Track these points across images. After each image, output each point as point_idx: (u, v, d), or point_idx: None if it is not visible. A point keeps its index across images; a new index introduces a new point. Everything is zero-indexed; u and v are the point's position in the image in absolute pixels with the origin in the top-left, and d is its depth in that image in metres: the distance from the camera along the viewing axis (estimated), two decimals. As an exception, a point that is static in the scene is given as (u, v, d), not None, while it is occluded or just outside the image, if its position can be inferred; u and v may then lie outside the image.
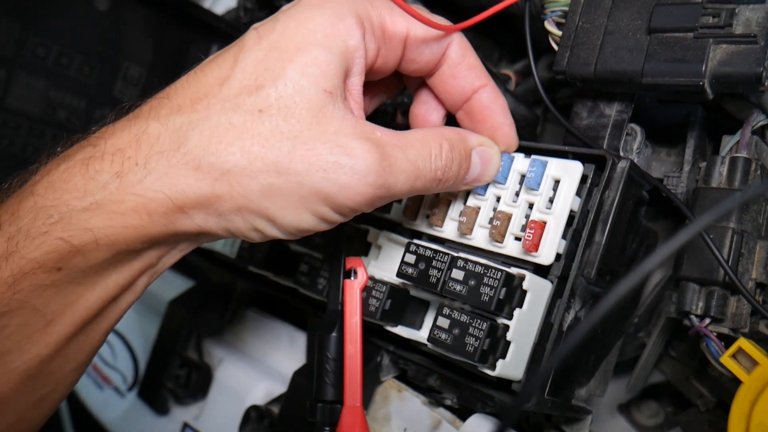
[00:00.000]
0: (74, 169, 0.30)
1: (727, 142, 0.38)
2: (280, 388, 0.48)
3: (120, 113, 0.33)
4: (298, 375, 0.45)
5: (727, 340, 0.36)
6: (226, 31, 0.62)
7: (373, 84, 0.37)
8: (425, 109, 0.39)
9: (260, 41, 0.31)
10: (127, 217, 0.30)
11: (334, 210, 0.31)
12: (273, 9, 0.62)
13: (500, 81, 0.48)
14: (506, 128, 0.37)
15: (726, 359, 0.32)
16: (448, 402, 0.41)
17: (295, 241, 0.45)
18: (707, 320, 0.36)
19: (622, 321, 0.42)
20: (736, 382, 0.32)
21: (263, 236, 0.32)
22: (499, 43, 0.69)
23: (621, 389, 0.50)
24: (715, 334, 0.36)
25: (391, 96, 0.41)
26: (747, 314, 0.36)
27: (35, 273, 0.29)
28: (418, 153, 0.33)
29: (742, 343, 0.32)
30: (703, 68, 0.33)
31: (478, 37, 0.67)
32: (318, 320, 0.45)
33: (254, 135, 0.30)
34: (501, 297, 0.34)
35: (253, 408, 0.46)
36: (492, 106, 0.37)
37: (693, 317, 0.37)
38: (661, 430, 0.52)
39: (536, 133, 0.54)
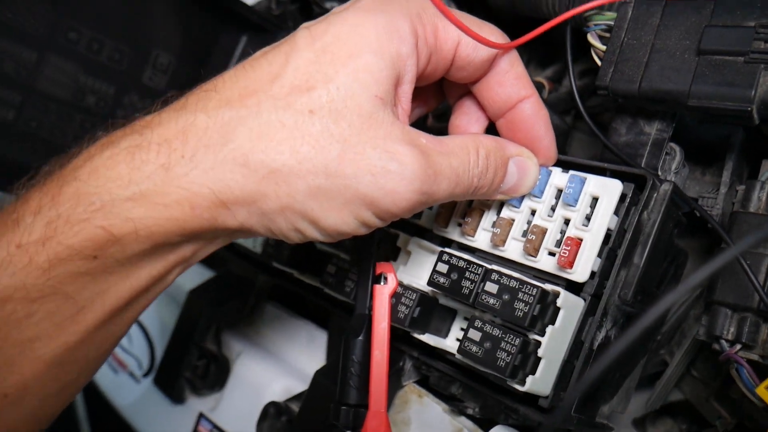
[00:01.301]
0: (119, 157, 0.30)
1: (767, 166, 0.38)
2: (298, 385, 0.48)
3: (166, 103, 0.33)
4: (319, 375, 0.45)
5: (755, 366, 0.35)
6: (256, 23, 0.62)
7: (418, 91, 0.37)
8: (466, 120, 0.39)
9: (313, 43, 0.31)
10: (170, 210, 0.30)
11: (377, 215, 0.31)
12: (305, 4, 0.62)
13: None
14: (547, 141, 0.37)
15: (762, 391, 0.32)
16: (470, 411, 0.41)
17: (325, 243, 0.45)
18: (738, 346, 0.36)
19: (648, 338, 0.42)
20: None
21: (303, 237, 0.32)
22: (528, 48, 0.68)
23: (637, 404, 0.50)
24: (744, 360, 0.36)
25: (434, 106, 0.41)
26: (778, 342, 0.36)
27: (71, 260, 0.29)
28: (459, 160, 0.33)
29: (778, 374, 0.32)
30: (753, 93, 0.33)
31: (508, 41, 0.66)
32: (341, 321, 0.45)
33: (304, 135, 0.30)
34: (535, 313, 0.34)
35: (272, 404, 0.46)
36: (534, 118, 0.37)
37: (723, 342, 0.37)
38: (674, 447, 0.52)
39: (566, 143, 0.53)
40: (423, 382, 0.44)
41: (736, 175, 0.41)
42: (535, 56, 0.69)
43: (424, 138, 0.32)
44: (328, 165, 0.30)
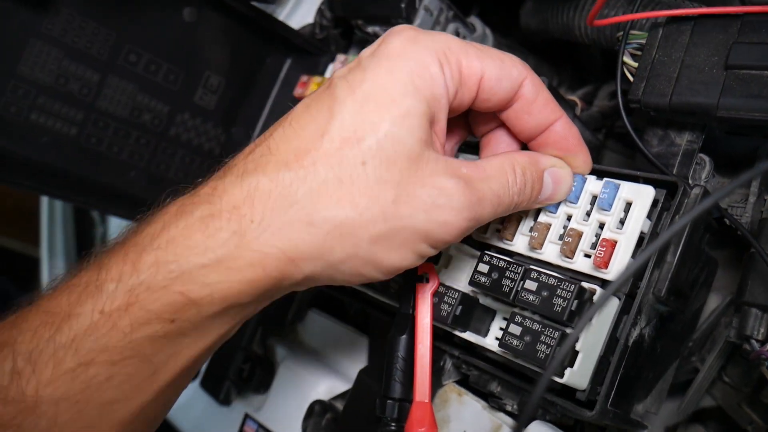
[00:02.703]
0: (194, 227, 0.32)
1: (794, 176, 0.40)
2: (341, 385, 0.50)
3: (223, 165, 0.35)
4: (363, 373, 0.47)
5: (787, 365, 0.37)
6: (301, 46, 0.65)
7: (448, 124, 0.39)
8: (496, 144, 0.41)
9: (353, 92, 0.33)
10: (243, 272, 0.32)
11: (432, 246, 0.34)
12: (347, 28, 0.66)
13: (569, 107, 0.50)
14: (581, 154, 0.40)
15: (791, 381, 0.34)
16: (509, 408, 0.43)
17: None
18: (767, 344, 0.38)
19: (680, 341, 0.44)
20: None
21: (364, 279, 0.34)
22: (558, 70, 0.71)
23: (669, 412, 0.52)
24: (775, 358, 0.37)
25: (464, 136, 0.43)
26: (807, 341, 0.38)
27: (150, 323, 0.31)
28: (498, 183, 0.35)
29: (807, 366, 0.33)
30: (780, 103, 0.35)
31: (539, 64, 0.69)
32: (381, 324, 0.48)
33: (361, 187, 0.32)
34: (573, 308, 0.36)
35: (318, 402, 0.48)
36: (566, 136, 0.39)
37: (754, 342, 0.38)
38: (706, 455, 0.53)
39: (599, 159, 0.55)
40: (463, 382, 0.46)
41: (764, 186, 0.43)
42: (566, 79, 0.72)
43: (464, 167, 0.34)
44: (386, 211, 0.32)
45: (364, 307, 0.49)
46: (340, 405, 0.48)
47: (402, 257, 0.33)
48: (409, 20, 0.57)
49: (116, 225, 0.92)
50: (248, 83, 0.67)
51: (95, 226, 0.94)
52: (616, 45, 0.44)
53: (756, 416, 0.46)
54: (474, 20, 0.63)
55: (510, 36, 0.69)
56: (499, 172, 0.35)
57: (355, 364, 0.51)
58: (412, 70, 0.33)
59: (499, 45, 0.65)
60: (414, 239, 0.33)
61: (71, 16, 0.54)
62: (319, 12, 0.65)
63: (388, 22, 0.59)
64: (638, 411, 0.41)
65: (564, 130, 0.39)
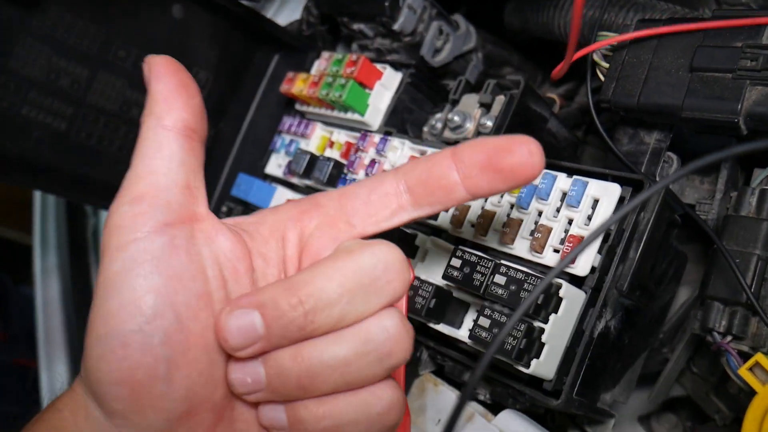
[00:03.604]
0: None
1: (758, 175, 0.41)
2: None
3: None
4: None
5: (747, 357, 0.38)
6: (288, 43, 0.66)
7: None
8: None
9: None
10: None
11: None
12: (334, 25, 0.67)
13: (546, 105, 0.52)
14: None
15: (743, 371, 0.35)
16: (481, 397, 0.44)
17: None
18: (729, 337, 0.39)
19: (648, 333, 0.45)
20: (752, 395, 0.35)
21: None
22: (541, 67, 0.72)
23: (642, 402, 0.53)
24: (735, 351, 0.39)
25: None
26: (766, 335, 0.39)
27: None
28: None
29: (760, 357, 0.35)
30: (739, 107, 0.37)
31: (523, 62, 0.71)
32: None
33: None
34: (539, 302, 0.37)
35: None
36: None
37: (716, 334, 0.40)
38: (678, 443, 0.54)
39: (576, 155, 0.57)
40: (438, 372, 0.47)
41: (731, 183, 0.44)
42: (548, 75, 0.73)
43: None
44: None
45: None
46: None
47: None
48: (393, 18, 0.58)
49: (109, 217, 0.93)
50: (236, 79, 0.68)
51: (87, 217, 0.95)
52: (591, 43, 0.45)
53: (722, 405, 0.48)
54: (458, 18, 0.64)
55: (495, 33, 0.70)
56: None
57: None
58: None
59: (484, 41, 0.66)
60: None
61: (60, 13, 0.55)
62: (306, 9, 0.66)
63: (373, 19, 0.60)
64: (606, 400, 0.43)
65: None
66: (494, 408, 0.44)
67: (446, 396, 0.46)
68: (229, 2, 0.62)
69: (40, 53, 0.56)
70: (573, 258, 0.29)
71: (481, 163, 0.31)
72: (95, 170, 0.61)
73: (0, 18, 0.53)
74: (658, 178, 0.42)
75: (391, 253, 0.31)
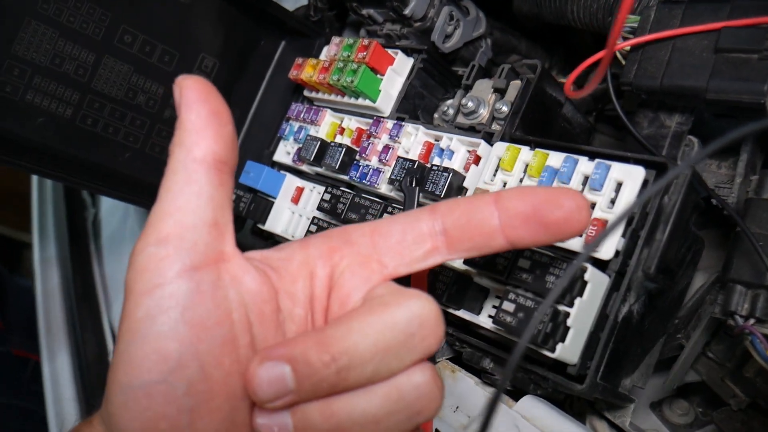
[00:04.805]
0: None
1: (779, 158, 0.41)
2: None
3: None
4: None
5: (769, 340, 0.38)
6: (295, 28, 0.65)
7: None
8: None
9: None
10: None
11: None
12: (342, 10, 0.66)
13: (561, 90, 0.51)
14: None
15: (774, 354, 0.35)
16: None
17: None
18: (752, 320, 0.39)
19: (667, 318, 0.45)
20: (779, 377, 0.35)
21: None
22: (551, 53, 0.72)
23: (655, 388, 0.53)
24: (762, 333, 0.39)
25: None
26: (790, 317, 0.39)
27: None
28: None
29: (789, 339, 0.35)
30: (766, 87, 0.36)
31: (532, 47, 0.70)
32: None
33: None
34: (565, 285, 0.37)
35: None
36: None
37: (738, 317, 0.40)
38: (690, 428, 0.54)
39: (590, 141, 0.56)
40: (456, 359, 0.47)
41: (750, 167, 0.44)
42: (558, 62, 0.73)
43: None
44: None
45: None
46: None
47: None
48: (404, 2, 0.57)
49: (107, 208, 0.92)
50: (242, 65, 0.67)
51: (86, 208, 0.94)
52: (608, 29, 0.45)
53: (738, 390, 0.48)
54: (468, 3, 0.63)
55: (502, 19, 0.69)
56: None
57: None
58: None
59: (491, 28, 0.66)
60: None
61: (70, -4, 0.54)
62: (313, -6, 0.65)
63: (383, 4, 0.59)
64: (626, 385, 0.43)
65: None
66: (515, 395, 0.43)
67: (464, 383, 0.45)
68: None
69: (45, 37, 0.54)
70: (599, 242, 0.28)
71: (526, 214, 0.30)
72: (101, 157, 0.60)
73: (3, 0, 0.52)
74: (679, 162, 0.42)
75: (428, 307, 0.30)
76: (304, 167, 0.59)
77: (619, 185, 0.40)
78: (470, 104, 0.51)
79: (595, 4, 0.52)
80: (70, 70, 0.56)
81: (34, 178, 1.11)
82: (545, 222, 0.30)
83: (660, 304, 0.42)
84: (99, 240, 0.90)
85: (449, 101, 0.56)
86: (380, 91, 0.56)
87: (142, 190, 0.63)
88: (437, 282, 0.42)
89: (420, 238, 0.32)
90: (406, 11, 0.58)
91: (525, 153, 0.44)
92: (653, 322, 0.43)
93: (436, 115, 0.57)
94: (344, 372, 0.28)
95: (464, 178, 0.47)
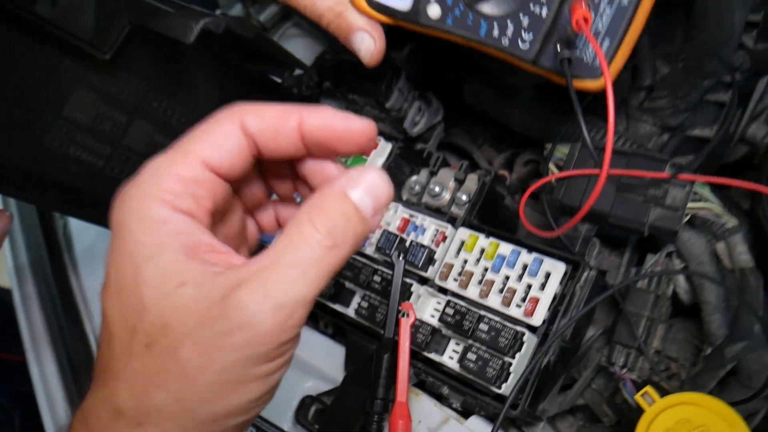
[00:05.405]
0: None
1: (650, 260, 0.60)
2: (324, 385, 0.66)
3: None
4: (348, 375, 0.63)
5: (634, 383, 0.58)
6: (289, 100, 0.79)
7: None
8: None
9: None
10: None
11: (262, 360, 0.30)
12: (329, 90, 0.80)
13: (505, 185, 0.69)
14: (353, 124, 0.35)
15: (637, 397, 0.54)
16: (454, 405, 0.61)
17: (355, 283, 0.63)
18: (624, 369, 0.58)
19: (569, 362, 0.64)
20: (640, 411, 0.54)
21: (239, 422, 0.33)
22: (482, 132, 0.90)
23: (551, 407, 0.72)
24: (629, 378, 0.58)
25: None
26: (648, 369, 0.59)
27: None
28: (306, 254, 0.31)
29: (648, 389, 0.54)
30: (646, 220, 0.55)
31: (473, 125, 0.87)
32: (357, 338, 0.64)
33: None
34: (511, 345, 0.54)
35: (308, 397, 0.64)
36: (324, 120, 0.35)
37: (616, 366, 0.59)
38: (573, 437, 0.74)
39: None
40: (420, 385, 0.63)
41: (631, 261, 0.64)
42: (488, 137, 0.91)
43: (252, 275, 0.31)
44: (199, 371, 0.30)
45: (345, 326, 0.65)
46: (327, 400, 0.64)
47: (248, 389, 0.31)
48: (386, 98, 0.73)
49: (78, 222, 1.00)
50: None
51: (55, 220, 1.02)
52: (547, 155, 0.63)
53: (610, 412, 0.68)
54: (430, 95, 0.80)
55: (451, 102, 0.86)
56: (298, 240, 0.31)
57: (333, 368, 0.67)
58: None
59: (447, 114, 0.82)
60: (241, 366, 0.30)
61: (117, 72, 0.65)
62: (307, 74, 0.79)
63: (369, 94, 0.74)
64: (540, 409, 0.61)
65: (319, 121, 0.35)
66: (465, 414, 0.60)
67: (426, 403, 0.62)
68: (237, 65, 0.74)
69: (89, 101, 0.65)
70: (560, 332, 0.45)
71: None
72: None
73: (65, 73, 0.62)
74: (586, 257, 0.61)
75: None
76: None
77: (548, 274, 0.57)
78: (436, 189, 0.68)
79: (535, 115, 0.70)
80: (106, 129, 0.67)
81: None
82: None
83: (566, 354, 0.61)
84: (72, 252, 0.97)
85: (414, 177, 0.72)
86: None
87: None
88: (418, 333, 0.58)
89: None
90: (388, 105, 0.73)
91: (482, 240, 0.61)
92: (561, 366, 0.61)
93: (404, 190, 0.73)
94: None
95: (435, 252, 0.63)
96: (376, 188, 0.34)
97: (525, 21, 0.47)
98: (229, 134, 0.34)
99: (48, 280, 0.94)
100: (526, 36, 0.47)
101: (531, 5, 0.46)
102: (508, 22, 0.47)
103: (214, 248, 0.32)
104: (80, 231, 0.98)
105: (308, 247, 0.31)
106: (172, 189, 0.32)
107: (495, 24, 0.48)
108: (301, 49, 0.89)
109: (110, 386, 0.30)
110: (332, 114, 0.35)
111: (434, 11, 0.49)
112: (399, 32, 0.55)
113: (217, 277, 0.30)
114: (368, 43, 0.52)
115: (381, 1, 0.51)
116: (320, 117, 0.35)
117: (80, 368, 0.85)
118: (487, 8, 0.48)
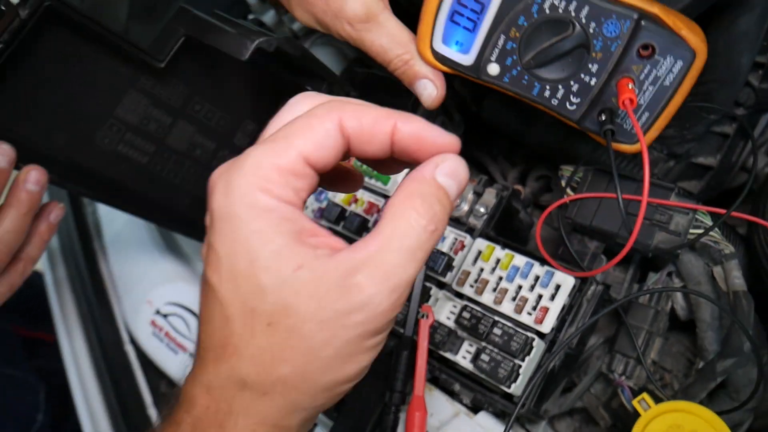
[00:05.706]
0: None
1: (652, 277, 0.66)
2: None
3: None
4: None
5: (631, 390, 0.63)
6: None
7: None
8: None
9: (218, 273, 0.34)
10: None
11: (375, 334, 0.35)
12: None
13: (520, 200, 0.74)
14: (440, 139, 0.38)
15: (635, 402, 0.59)
16: (465, 401, 0.66)
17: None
18: (623, 377, 0.64)
19: (572, 367, 0.69)
20: (636, 416, 0.59)
21: (344, 385, 0.36)
22: (495, 154, 0.95)
23: (552, 407, 0.78)
24: (626, 385, 0.63)
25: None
26: (645, 377, 0.64)
27: None
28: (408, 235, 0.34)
29: (645, 395, 0.59)
30: (651, 243, 0.61)
31: (488, 140, 0.92)
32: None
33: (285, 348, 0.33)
34: (522, 349, 0.59)
35: (329, 387, 0.69)
36: (416, 130, 0.37)
37: (616, 374, 0.64)
38: (570, 437, 0.80)
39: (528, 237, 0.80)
40: (433, 381, 0.68)
41: (634, 278, 0.69)
42: (502, 151, 0.96)
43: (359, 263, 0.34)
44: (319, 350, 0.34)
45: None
46: (347, 390, 0.69)
47: (358, 361, 0.35)
48: (414, 110, 0.78)
49: (106, 208, 1.05)
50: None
51: (85, 206, 1.07)
52: (560, 175, 0.68)
53: (607, 416, 0.73)
54: (452, 110, 0.85)
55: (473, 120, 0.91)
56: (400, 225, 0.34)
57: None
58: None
59: (464, 127, 0.87)
60: (355, 343, 0.34)
61: (168, 78, 0.70)
62: (338, 85, 0.84)
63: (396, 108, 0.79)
64: (543, 409, 0.66)
65: (409, 127, 0.37)
66: (473, 410, 0.66)
67: (438, 398, 0.67)
68: (276, 75, 0.79)
69: (139, 104, 0.70)
70: (568, 340, 0.51)
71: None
72: (161, 195, 0.76)
73: (119, 76, 0.67)
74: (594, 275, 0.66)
75: None
76: (323, 223, 0.78)
77: (558, 285, 0.63)
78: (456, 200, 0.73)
79: (551, 137, 0.75)
80: (152, 129, 0.72)
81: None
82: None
83: (570, 360, 0.66)
84: (101, 237, 1.02)
85: (435, 188, 0.77)
86: (390, 177, 0.76)
87: (185, 221, 0.80)
88: (436, 334, 0.63)
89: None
90: (413, 118, 0.78)
91: (498, 250, 0.66)
92: (564, 370, 0.66)
93: (425, 198, 0.78)
94: None
95: (454, 259, 0.68)
96: (459, 173, 0.37)
97: (575, 87, 0.53)
98: (330, 134, 0.36)
99: (79, 263, 0.99)
100: (574, 99, 0.53)
101: (582, 74, 0.52)
102: (560, 86, 0.53)
103: (315, 233, 0.35)
104: (108, 217, 1.03)
105: (415, 232, 0.34)
106: (275, 180, 0.34)
107: (547, 86, 0.54)
108: (330, 58, 0.94)
109: (232, 361, 0.34)
110: (424, 124, 0.37)
111: (494, 69, 0.54)
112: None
113: (330, 260, 0.33)
114: (431, 90, 0.57)
115: (446, 55, 0.56)
116: (413, 126, 0.37)
117: (108, 347, 0.90)
118: (542, 72, 0.53)
